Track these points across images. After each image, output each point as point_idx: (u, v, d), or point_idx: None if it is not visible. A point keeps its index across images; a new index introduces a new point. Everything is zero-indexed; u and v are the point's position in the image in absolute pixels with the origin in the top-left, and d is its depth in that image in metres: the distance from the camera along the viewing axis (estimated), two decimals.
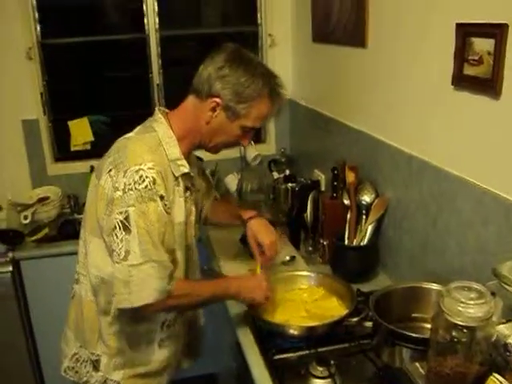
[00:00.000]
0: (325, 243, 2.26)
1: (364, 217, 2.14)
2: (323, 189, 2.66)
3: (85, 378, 1.69)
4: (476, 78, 1.50)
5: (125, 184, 1.44)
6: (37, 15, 3.06)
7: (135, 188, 1.43)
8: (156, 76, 3.30)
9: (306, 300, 1.87)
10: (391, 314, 1.56)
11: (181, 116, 1.62)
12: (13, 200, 3.06)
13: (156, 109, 1.65)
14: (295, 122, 3.24)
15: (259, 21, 3.34)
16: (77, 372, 1.71)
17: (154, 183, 1.45)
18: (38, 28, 3.08)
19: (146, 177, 1.44)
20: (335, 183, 2.29)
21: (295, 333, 1.68)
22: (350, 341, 1.69)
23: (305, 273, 2.00)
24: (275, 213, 2.71)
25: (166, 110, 1.65)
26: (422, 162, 1.83)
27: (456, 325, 1.12)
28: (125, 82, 3.39)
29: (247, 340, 1.76)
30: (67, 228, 3.03)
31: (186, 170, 1.59)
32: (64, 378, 1.74)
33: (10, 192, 3.08)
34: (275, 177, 2.98)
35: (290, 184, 2.62)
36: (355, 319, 1.67)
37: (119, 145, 1.58)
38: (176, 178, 1.57)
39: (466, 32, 1.52)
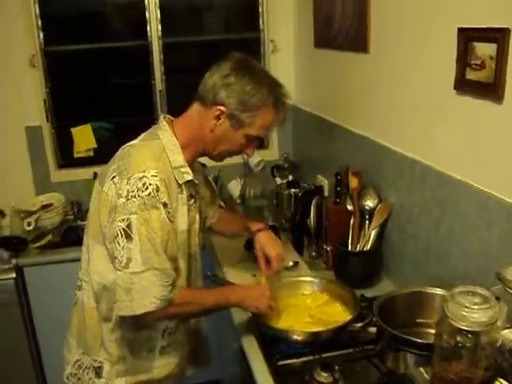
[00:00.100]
0: (328, 249, 2.26)
1: (367, 222, 2.14)
2: (326, 194, 2.66)
3: None
4: (478, 82, 1.50)
5: (128, 191, 1.44)
6: (40, 23, 3.08)
7: (138, 195, 1.43)
8: (159, 83, 3.31)
9: (310, 306, 1.87)
10: (395, 319, 1.56)
11: (185, 124, 1.62)
12: (16, 207, 3.07)
13: (161, 116, 1.65)
14: (298, 127, 3.24)
15: (261, 27, 3.35)
16: (79, 379, 1.70)
17: (158, 191, 1.45)
18: (41, 35, 3.10)
19: (150, 184, 1.44)
20: (338, 188, 2.29)
21: (299, 338, 1.68)
22: (354, 346, 1.68)
23: (308, 278, 1.99)
24: (278, 218, 2.71)
25: (171, 118, 1.65)
26: (425, 167, 1.83)
27: (460, 330, 1.12)
28: (128, 89, 3.40)
29: (251, 346, 1.75)
30: (70, 234, 3.04)
31: (189, 177, 1.59)
32: None
33: (14, 199, 3.09)
34: (278, 182, 2.98)
35: (293, 189, 2.62)
36: (359, 325, 1.66)
37: (123, 152, 1.58)
38: (180, 186, 1.57)
39: (468, 37, 1.52)
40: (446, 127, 1.71)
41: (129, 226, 1.43)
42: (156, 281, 1.45)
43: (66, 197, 3.21)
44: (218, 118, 1.55)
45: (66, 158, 3.34)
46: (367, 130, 2.29)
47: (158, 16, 3.20)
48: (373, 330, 1.62)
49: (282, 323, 1.75)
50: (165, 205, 1.47)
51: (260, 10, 3.33)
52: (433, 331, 1.45)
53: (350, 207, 2.18)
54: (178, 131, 1.60)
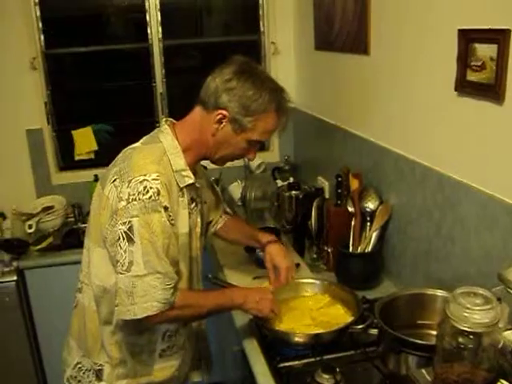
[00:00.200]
0: (329, 250, 2.26)
1: (368, 224, 2.13)
2: (327, 196, 2.66)
3: None
4: (479, 83, 1.50)
5: (129, 194, 1.44)
6: (41, 25, 3.08)
7: (139, 198, 1.43)
8: (159, 85, 3.31)
9: (311, 307, 1.86)
10: (396, 321, 1.56)
11: (187, 127, 1.61)
12: (17, 209, 3.07)
13: (163, 120, 1.65)
14: (299, 129, 3.24)
15: (262, 29, 3.36)
16: (79, 381, 1.70)
17: (158, 194, 1.44)
18: (42, 38, 3.11)
19: (151, 187, 1.44)
20: (339, 190, 2.29)
21: (300, 340, 1.67)
22: (355, 348, 1.68)
23: (309, 280, 1.99)
24: (279, 220, 2.71)
25: (174, 121, 1.65)
26: (426, 169, 1.83)
27: (462, 331, 1.11)
28: (128, 91, 3.41)
29: (252, 348, 1.75)
30: (71, 237, 3.05)
31: (190, 180, 1.58)
32: None
33: (15, 201, 3.10)
34: (279, 184, 2.98)
35: (293, 192, 2.61)
36: (360, 326, 1.66)
37: (125, 155, 1.58)
38: (181, 189, 1.56)
39: (468, 38, 1.53)
40: (447, 128, 1.71)
41: (130, 229, 1.43)
42: (158, 284, 1.45)
43: (67, 199, 3.22)
44: (219, 122, 1.54)
45: (67, 161, 3.34)
46: (368, 131, 2.29)
47: (159, 18, 3.21)
48: (374, 331, 1.62)
49: (284, 325, 1.75)
50: (166, 208, 1.46)
51: (260, 12, 3.33)
52: (434, 333, 1.45)
53: (350, 209, 2.18)
54: (179, 135, 1.59)
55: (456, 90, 1.61)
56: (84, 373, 1.69)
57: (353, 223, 2.16)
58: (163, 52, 3.27)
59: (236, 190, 3.15)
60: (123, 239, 1.44)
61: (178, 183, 1.55)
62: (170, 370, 1.71)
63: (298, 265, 2.29)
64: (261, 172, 3.20)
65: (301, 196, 2.56)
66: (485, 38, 1.46)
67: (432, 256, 1.85)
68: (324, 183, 2.77)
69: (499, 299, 1.16)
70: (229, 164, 1.73)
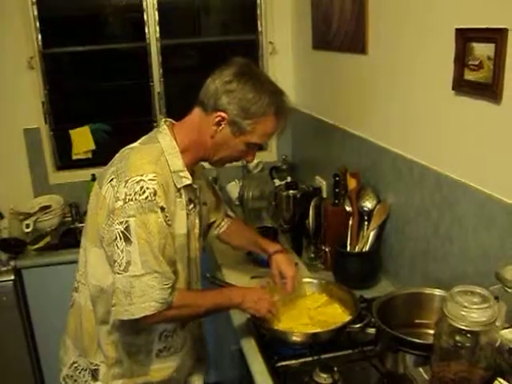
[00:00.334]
0: (327, 250, 2.26)
1: (366, 223, 2.14)
2: (325, 195, 2.66)
3: None
4: (476, 82, 1.50)
5: (125, 194, 1.44)
6: (38, 25, 3.08)
7: (135, 199, 1.43)
8: (157, 84, 3.31)
9: (309, 307, 1.86)
10: (394, 320, 1.56)
11: (185, 128, 1.60)
12: (15, 209, 3.06)
13: (162, 120, 1.65)
14: (297, 129, 3.24)
15: (259, 29, 3.36)
16: (75, 381, 1.70)
17: (155, 194, 1.44)
18: (40, 37, 3.10)
19: (147, 188, 1.44)
20: (337, 190, 2.29)
21: (298, 339, 1.68)
22: (353, 347, 1.68)
23: (307, 279, 1.99)
24: (277, 220, 2.71)
25: (173, 122, 1.64)
26: (424, 168, 1.83)
27: (459, 329, 1.11)
28: (126, 91, 3.40)
29: (250, 347, 1.75)
30: (69, 237, 3.04)
31: (188, 181, 1.58)
32: None
33: (12, 201, 3.09)
34: (277, 184, 2.98)
35: (291, 191, 2.61)
36: (358, 325, 1.66)
37: (122, 154, 1.58)
38: (178, 190, 1.56)
39: (465, 37, 1.53)
40: (445, 128, 1.71)
41: (127, 228, 1.43)
42: (156, 284, 1.45)
43: (65, 199, 3.21)
44: (218, 124, 1.54)
45: (65, 160, 3.34)
46: (365, 131, 2.29)
47: (156, 18, 3.21)
48: (372, 330, 1.62)
49: (281, 324, 1.75)
50: (162, 209, 1.46)
51: (258, 11, 3.33)
52: (432, 332, 1.45)
53: (348, 208, 2.18)
54: (178, 135, 1.59)
55: (454, 89, 1.61)
56: (80, 372, 1.69)
57: (350, 222, 2.16)
58: (161, 51, 3.27)
59: (234, 189, 3.15)
60: (120, 239, 1.44)
61: (175, 184, 1.55)
62: (168, 370, 1.71)
63: (295, 264, 2.28)
64: (258, 171, 3.20)
65: (298, 195, 2.57)
66: (482, 38, 1.46)
67: (430, 255, 1.85)
68: (322, 183, 2.78)
69: (496, 298, 1.16)
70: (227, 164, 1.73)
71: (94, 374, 1.66)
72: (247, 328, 1.84)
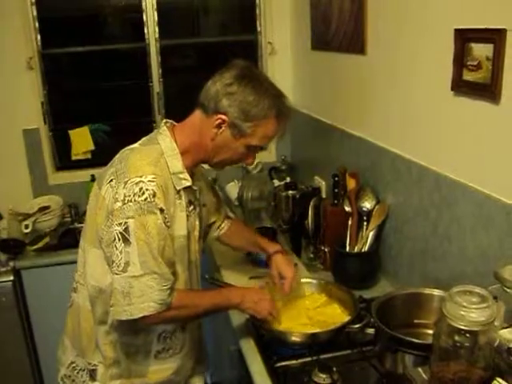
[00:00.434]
0: (326, 250, 2.26)
1: (365, 223, 2.14)
2: (324, 196, 2.66)
3: None
4: (475, 83, 1.51)
5: (124, 195, 1.44)
6: (37, 25, 3.08)
7: (134, 200, 1.42)
8: (156, 84, 3.31)
9: (308, 307, 1.86)
10: (393, 320, 1.56)
11: (186, 130, 1.60)
12: (14, 209, 3.06)
13: (162, 121, 1.65)
14: (296, 129, 3.24)
15: (258, 29, 3.36)
16: (73, 381, 1.70)
17: (154, 196, 1.44)
18: (39, 38, 3.10)
19: (146, 189, 1.43)
20: (336, 190, 2.29)
21: (297, 340, 1.68)
22: (352, 347, 1.68)
23: (306, 280, 1.99)
24: (276, 220, 2.71)
25: (174, 123, 1.64)
26: (422, 168, 1.84)
27: (458, 329, 1.12)
28: (125, 91, 3.40)
29: (249, 347, 1.75)
30: (68, 237, 3.04)
31: (187, 183, 1.57)
32: None
33: (11, 201, 3.09)
34: (276, 184, 2.98)
35: (290, 191, 2.62)
36: (357, 326, 1.66)
37: (122, 155, 1.57)
38: (178, 192, 1.56)
39: (464, 37, 1.53)
40: (444, 128, 1.71)
41: (126, 229, 1.43)
42: (155, 285, 1.45)
43: (64, 199, 3.21)
44: (219, 126, 1.53)
45: (64, 161, 3.34)
46: (364, 131, 2.30)
47: (156, 18, 3.21)
48: (371, 331, 1.62)
49: (281, 325, 1.75)
50: (161, 210, 1.46)
51: (257, 12, 3.33)
52: (431, 332, 1.45)
53: (347, 208, 2.18)
54: (178, 137, 1.59)
55: (452, 89, 1.62)
56: (78, 372, 1.69)
57: (350, 223, 2.16)
58: (160, 52, 3.27)
59: (233, 189, 3.15)
60: (119, 240, 1.43)
61: (174, 185, 1.54)
62: (166, 372, 1.70)
63: (295, 264, 2.28)
64: (258, 172, 3.19)
65: (297, 196, 2.57)
66: (481, 38, 1.46)
67: (429, 255, 1.85)
68: (321, 183, 2.78)
69: (495, 298, 1.16)
70: None
71: (92, 374, 1.66)
72: (246, 328, 1.84)
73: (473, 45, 1.50)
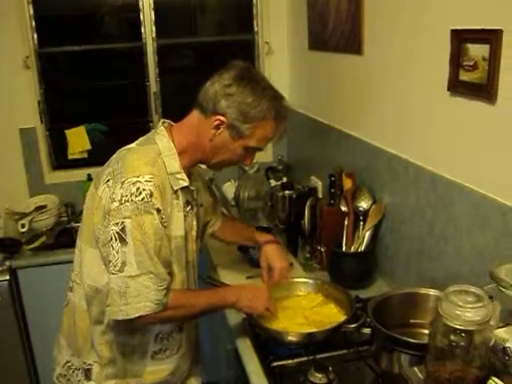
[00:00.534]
0: (322, 250, 2.27)
1: (361, 223, 2.14)
2: (320, 196, 2.67)
3: None
4: (471, 83, 1.51)
5: (121, 195, 1.44)
6: (34, 24, 3.07)
7: (131, 200, 1.42)
8: (153, 84, 3.31)
9: (305, 307, 1.86)
10: (389, 320, 1.56)
11: (184, 130, 1.60)
12: (10, 208, 3.06)
13: (160, 121, 1.64)
14: (292, 129, 3.24)
15: (255, 29, 3.36)
16: (69, 380, 1.70)
17: (151, 196, 1.44)
18: (36, 37, 3.10)
19: (143, 189, 1.43)
20: (332, 190, 2.30)
21: (294, 339, 1.67)
22: (348, 347, 1.68)
23: (303, 279, 1.99)
24: (273, 220, 2.71)
25: (171, 123, 1.64)
26: (419, 168, 1.84)
27: (454, 329, 1.12)
28: (122, 91, 3.40)
29: (245, 347, 1.76)
30: (64, 236, 3.03)
31: (185, 183, 1.57)
32: None
33: (8, 200, 3.08)
34: (272, 184, 2.98)
35: (287, 191, 2.62)
36: (353, 325, 1.66)
37: (119, 155, 1.57)
38: (175, 192, 1.56)
39: (460, 38, 1.53)
40: (440, 128, 1.72)
41: (123, 229, 1.43)
42: (151, 285, 1.45)
43: (60, 199, 3.21)
44: (217, 127, 1.53)
45: (60, 160, 3.34)
46: (361, 131, 2.30)
47: (153, 18, 3.21)
48: (367, 330, 1.62)
49: (277, 324, 1.75)
50: (158, 210, 1.46)
51: (254, 11, 3.33)
52: (426, 332, 1.45)
53: (344, 208, 2.18)
54: (176, 137, 1.58)
55: (449, 89, 1.62)
56: (73, 372, 1.69)
57: (346, 223, 2.16)
58: (157, 51, 3.27)
59: (229, 189, 3.15)
60: (116, 240, 1.43)
61: (171, 186, 1.54)
62: (162, 373, 1.70)
63: (291, 264, 2.28)
64: (254, 172, 3.19)
65: (294, 196, 2.57)
66: (477, 38, 1.47)
67: (425, 255, 1.86)
68: (317, 183, 2.78)
69: (491, 297, 1.17)
70: None
71: (87, 374, 1.66)
72: (243, 327, 1.84)
73: (469, 45, 1.50)
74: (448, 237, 1.71)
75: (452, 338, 1.13)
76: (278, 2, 3.25)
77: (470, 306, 1.11)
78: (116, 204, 1.44)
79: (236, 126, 1.52)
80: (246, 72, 1.56)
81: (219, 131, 1.54)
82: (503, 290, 1.21)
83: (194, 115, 1.59)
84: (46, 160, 3.28)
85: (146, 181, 1.44)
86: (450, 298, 1.14)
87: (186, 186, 1.59)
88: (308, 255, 2.36)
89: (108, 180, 1.50)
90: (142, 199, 1.43)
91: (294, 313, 1.83)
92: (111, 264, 1.45)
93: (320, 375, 1.52)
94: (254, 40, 3.38)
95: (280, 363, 1.66)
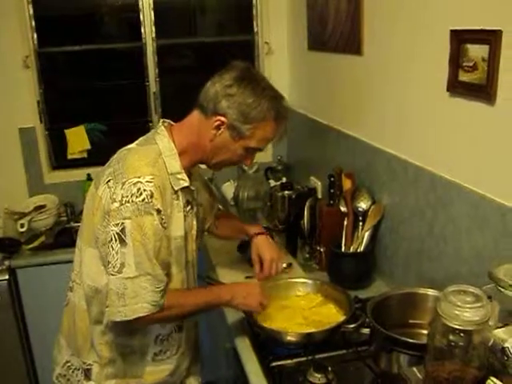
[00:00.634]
0: (322, 250, 2.27)
1: (361, 223, 2.14)
2: (320, 196, 2.67)
3: None
4: (471, 84, 1.51)
5: (122, 196, 1.44)
6: (34, 24, 3.07)
7: (132, 201, 1.42)
8: (153, 84, 3.31)
9: (304, 307, 1.86)
10: (388, 320, 1.56)
11: (184, 130, 1.60)
12: (9, 208, 3.05)
13: (160, 121, 1.64)
14: (292, 129, 3.24)
15: (255, 29, 3.36)
16: (68, 380, 1.70)
17: (152, 197, 1.44)
18: (35, 36, 3.10)
19: (144, 190, 1.43)
20: (332, 190, 2.30)
21: (293, 339, 1.68)
22: (347, 347, 1.68)
23: (302, 280, 1.99)
24: (272, 220, 2.71)
25: (171, 123, 1.64)
26: (418, 169, 1.84)
27: (453, 329, 1.12)
28: (121, 91, 3.40)
29: (244, 347, 1.75)
30: (64, 236, 3.03)
31: (185, 183, 1.57)
32: None
33: (7, 200, 3.08)
34: (272, 184, 2.98)
35: (286, 191, 2.62)
36: (352, 326, 1.66)
37: (120, 156, 1.57)
38: (175, 192, 1.56)
39: (460, 38, 1.53)
40: (439, 129, 1.72)
41: (122, 230, 1.43)
42: (148, 286, 1.45)
43: (60, 198, 3.20)
44: (217, 128, 1.54)
45: (60, 160, 3.34)
46: (360, 131, 2.30)
47: (152, 18, 3.21)
48: (366, 331, 1.62)
49: (276, 324, 1.75)
50: (158, 211, 1.46)
51: (254, 12, 3.34)
52: (425, 332, 1.45)
53: (343, 209, 2.19)
54: (176, 137, 1.58)
55: (448, 90, 1.62)
56: (73, 371, 1.69)
57: (345, 223, 2.17)
58: (156, 51, 3.27)
59: (229, 189, 3.15)
60: (115, 240, 1.43)
61: (172, 186, 1.54)
62: (162, 374, 1.70)
63: (290, 264, 2.29)
64: (254, 172, 3.19)
65: (293, 196, 2.57)
66: (477, 39, 1.47)
67: (424, 255, 1.86)
68: (317, 183, 2.78)
69: (490, 297, 1.17)
70: None
71: (87, 374, 1.66)
72: (241, 326, 1.84)
73: (468, 46, 1.50)
74: (447, 237, 1.71)
75: (451, 338, 1.13)
76: (277, 3, 3.26)
77: (468, 306, 1.11)
78: (116, 204, 1.44)
79: (236, 127, 1.52)
80: (246, 72, 1.56)
81: (220, 131, 1.54)
82: (502, 290, 1.21)
83: (195, 115, 1.59)
84: (46, 160, 3.28)
85: (146, 181, 1.44)
86: (448, 298, 1.14)
87: (187, 186, 1.59)
88: (307, 255, 2.36)
89: (109, 180, 1.50)
90: (143, 200, 1.43)
91: (293, 313, 1.83)
92: (110, 265, 1.45)
93: (319, 375, 1.52)
94: (253, 40, 3.38)
95: (279, 363, 1.66)
